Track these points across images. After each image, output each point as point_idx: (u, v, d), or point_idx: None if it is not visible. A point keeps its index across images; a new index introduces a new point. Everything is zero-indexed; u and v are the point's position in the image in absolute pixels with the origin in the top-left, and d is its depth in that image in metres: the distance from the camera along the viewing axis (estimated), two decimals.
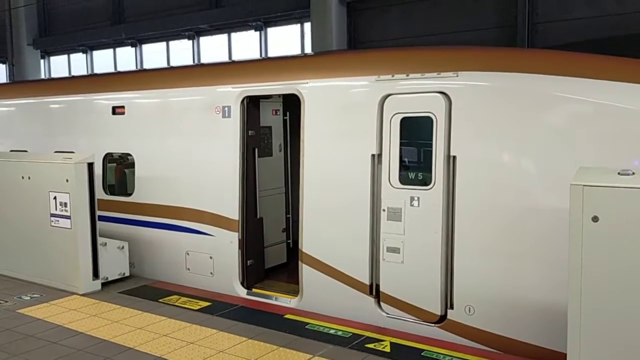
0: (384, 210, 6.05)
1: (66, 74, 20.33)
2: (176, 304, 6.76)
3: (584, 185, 3.90)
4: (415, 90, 5.91)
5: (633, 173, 4.01)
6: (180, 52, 17.77)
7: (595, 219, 3.86)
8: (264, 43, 15.92)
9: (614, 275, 3.86)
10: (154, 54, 18.54)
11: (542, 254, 5.26)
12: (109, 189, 8.76)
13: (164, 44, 18.22)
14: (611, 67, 5.43)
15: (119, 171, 9.10)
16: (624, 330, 3.89)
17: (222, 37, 16.87)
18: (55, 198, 7.31)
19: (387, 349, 5.33)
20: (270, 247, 8.10)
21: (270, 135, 8.35)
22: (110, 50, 19.76)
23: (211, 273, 7.46)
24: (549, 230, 5.15)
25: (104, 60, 20.02)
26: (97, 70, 19.93)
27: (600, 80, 5.25)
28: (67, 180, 7.17)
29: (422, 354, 5.21)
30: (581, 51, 5.91)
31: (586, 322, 3.97)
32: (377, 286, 6.17)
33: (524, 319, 5.38)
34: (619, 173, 4.03)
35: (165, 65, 17.30)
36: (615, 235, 3.83)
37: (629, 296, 3.84)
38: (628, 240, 3.80)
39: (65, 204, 7.21)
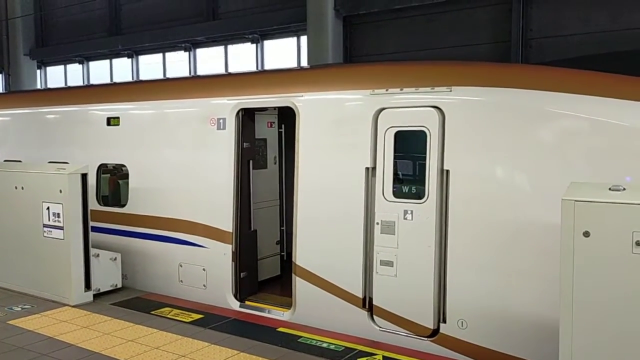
0: (377, 223, 6.05)
1: (62, 85, 20.34)
2: (168, 316, 6.72)
3: (575, 201, 3.92)
4: (409, 105, 5.95)
5: (624, 189, 4.03)
6: (177, 63, 17.81)
7: (586, 234, 3.88)
8: (260, 56, 15.98)
9: (605, 290, 3.87)
10: (151, 65, 18.58)
11: (535, 268, 5.26)
12: (102, 199, 8.74)
13: (160, 55, 18.27)
14: (605, 83, 5.48)
15: (112, 182, 9.09)
16: (615, 344, 3.89)
17: (219, 49, 16.94)
18: (48, 208, 7.29)
19: None
20: (264, 260, 8.09)
21: (265, 148, 8.37)
22: (107, 61, 19.80)
23: (204, 285, 7.43)
24: (542, 245, 5.16)
25: (100, 71, 20.04)
26: (93, 81, 19.95)
27: (594, 96, 5.29)
28: (60, 191, 7.15)
29: None
30: (575, 67, 5.96)
31: (577, 337, 3.97)
32: (370, 299, 6.16)
33: (517, 333, 5.37)
34: (610, 189, 4.05)
35: (161, 76, 17.34)
36: (606, 250, 3.85)
37: (620, 311, 3.85)
38: (619, 256, 3.82)
39: (59, 214, 7.19)
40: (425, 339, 5.82)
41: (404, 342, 5.85)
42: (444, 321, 5.74)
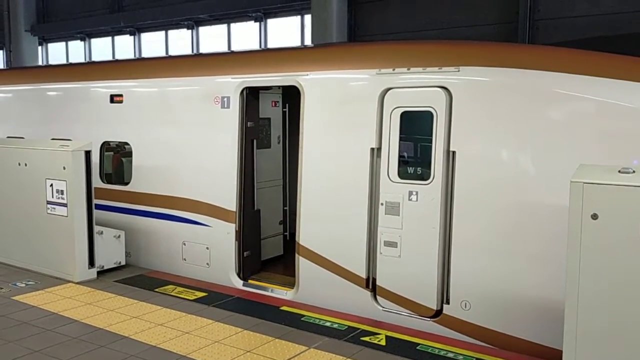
0: (382, 204, 6.04)
1: (64, 61, 20.21)
2: (172, 293, 6.75)
3: (584, 183, 3.90)
4: (416, 85, 5.89)
5: (633, 171, 4.00)
6: (179, 41, 17.68)
7: (594, 216, 3.86)
8: (263, 34, 15.85)
9: (612, 273, 3.87)
10: (153, 43, 18.45)
11: (540, 250, 5.26)
12: (106, 177, 8.73)
13: (162, 33, 18.13)
14: (613, 65, 5.42)
15: (116, 160, 9.07)
16: (621, 328, 3.90)
17: (222, 28, 16.80)
18: (52, 185, 7.28)
19: (383, 342, 5.33)
20: (267, 239, 8.10)
21: (269, 127, 8.33)
22: (109, 39, 19.66)
23: (207, 264, 7.45)
24: (547, 227, 5.15)
25: (102, 49, 19.91)
26: (95, 59, 19.83)
27: (602, 77, 5.24)
28: (64, 168, 7.13)
29: (417, 347, 5.22)
30: (582, 49, 5.90)
31: (583, 320, 3.97)
32: (374, 280, 6.17)
33: (520, 315, 5.39)
34: (619, 171, 4.02)
35: (163, 54, 17.23)
36: (614, 233, 3.83)
37: (627, 294, 3.85)
38: (627, 239, 3.80)
39: (62, 191, 7.18)
40: (428, 319, 5.85)
41: (406, 322, 5.88)
42: (447, 302, 5.75)
